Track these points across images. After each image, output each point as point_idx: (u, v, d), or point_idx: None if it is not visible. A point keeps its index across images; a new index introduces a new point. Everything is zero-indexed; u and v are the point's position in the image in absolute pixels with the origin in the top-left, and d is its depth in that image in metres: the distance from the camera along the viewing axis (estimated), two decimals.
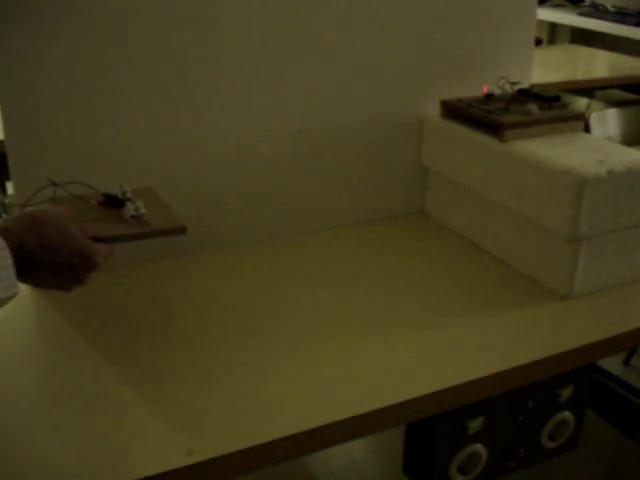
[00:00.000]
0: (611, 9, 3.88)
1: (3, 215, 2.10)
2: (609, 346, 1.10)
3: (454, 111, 1.37)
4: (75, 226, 0.85)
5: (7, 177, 1.22)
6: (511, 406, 1.07)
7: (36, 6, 1.07)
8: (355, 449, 1.99)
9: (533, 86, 1.41)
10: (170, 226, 0.97)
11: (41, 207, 0.88)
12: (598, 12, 3.91)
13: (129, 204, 0.97)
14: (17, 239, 0.78)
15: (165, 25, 1.16)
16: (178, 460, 0.81)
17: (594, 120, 2.39)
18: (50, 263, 0.82)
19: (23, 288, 0.81)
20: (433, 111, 1.41)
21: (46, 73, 1.11)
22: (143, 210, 0.96)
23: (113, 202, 0.99)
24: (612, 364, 2.27)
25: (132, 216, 0.96)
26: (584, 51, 3.46)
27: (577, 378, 1.11)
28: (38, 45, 1.09)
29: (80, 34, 1.11)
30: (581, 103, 2.54)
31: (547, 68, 2.87)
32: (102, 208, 0.99)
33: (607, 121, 2.45)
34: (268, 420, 0.88)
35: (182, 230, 0.97)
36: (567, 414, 1.13)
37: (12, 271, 0.77)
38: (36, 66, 1.10)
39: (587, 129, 2.27)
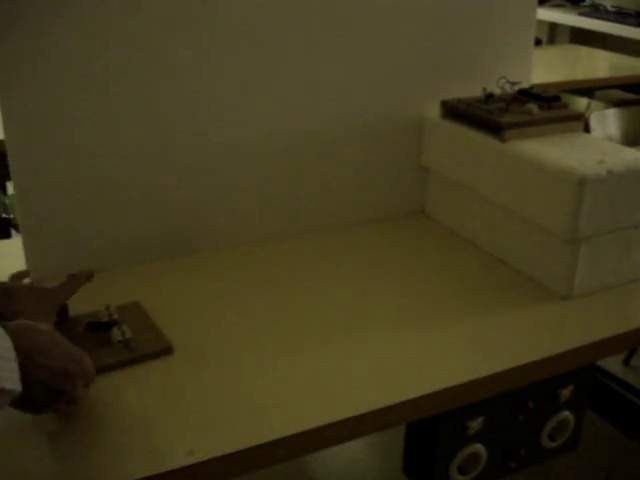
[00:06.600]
0: (611, 9, 3.88)
1: (3, 215, 2.10)
2: (609, 346, 1.10)
3: (454, 111, 1.37)
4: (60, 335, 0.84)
5: (7, 177, 1.22)
6: (511, 406, 1.07)
7: (36, 7, 1.07)
8: (355, 449, 1.99)
9: (533, 86, 1.41)
10: (157, 348, 1.01)
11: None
12: (598, 12, 3.91)
13: (115, 329, 1.01)
14: (12, 337, 0.74)
15: (163, 27, 1.16)
16: (178, 460, 0.81)
17: (594, 120, 2.39)
18: (45, 370, 0.77)
19: None
20: (433, 111, 1.41)
21: (46, 73, 1.11)
22: (129, 334, 1.00)
23: (99, 327, 1.02)
24: (612, 364, 2.27)
25: (119, 341, 1.00)
26: (584, 51, 3.46)
27: (577, 378, 1.11)
28: (38, 45, 1.09)
29: (80, 35, 1.11)
30: (581, 103, 2.54)
31: (547, 68, 2.87)
32: (89, 333, 1.02)
33: (607, 121, 2.45)
34: (268, 420, 0.88)
35: (168, 350, 1.01)
36: (567, 414, 1.13)
37: (16, 366, 0.72)
38: (36, 66, 1.10)
39: (587, 129, 2.27)
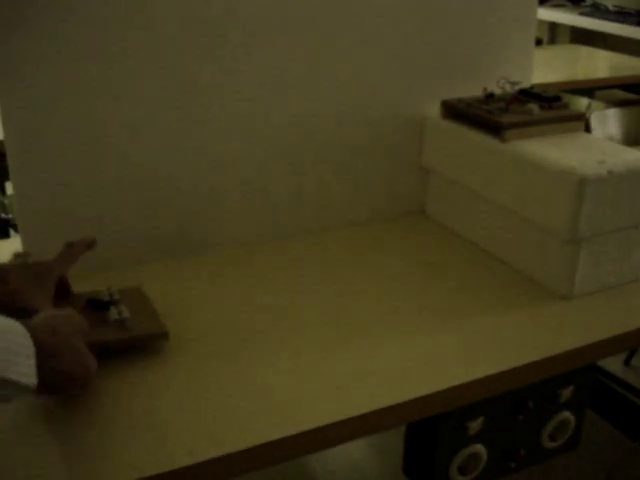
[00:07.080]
0: (612, 9, 3.88)
1: (2, 215, 2.10)
2: (609, 346, 1.09)
3: (454, 111, 1.36)
4: (81, 339, 0.87)
5: (7, 177, 1.22)
6: (511, 406, 1.07)
7: (36, 8, 1.07)
8: (355, 449, 1.99)
9: (534, 86, 1.41)
10: (153, 331, 1.00)
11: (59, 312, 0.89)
12: (599, 12, 3.91)
13: (113, 308, 1.00)
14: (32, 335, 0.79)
15: (166, 25, 1.16)
16: (178, 460, 0.81)
17: (595, 120, 2.39)
18: (53, 370, 0.82)
19: None
20: (433, 111, 1.41)
21: (46, 74, 1.11)
22: (126, 314, 1.00)
23: (98, 305, 1.02)
24: (612, 364, 2.27)
25: (115, 320, 0.99)
26: (585, 51, 3.46)
27: (577, 378, 1.11)
28: (39, 46, 1.09)
29: (81, 36, 1.11)
30: (582, 103, 2.54)
31: (548, 68, 2.87)
32: (88, 310, 1.01)
33: (608, 121, 2.46)
34: (268, 420, 0.88)
35: (163, 336, 1.00)
36: (567, 414, 1.13)
37: (33, 362, 0.77)
38: (36, 67, 1.10)
39: (588, 129, 2.27)
